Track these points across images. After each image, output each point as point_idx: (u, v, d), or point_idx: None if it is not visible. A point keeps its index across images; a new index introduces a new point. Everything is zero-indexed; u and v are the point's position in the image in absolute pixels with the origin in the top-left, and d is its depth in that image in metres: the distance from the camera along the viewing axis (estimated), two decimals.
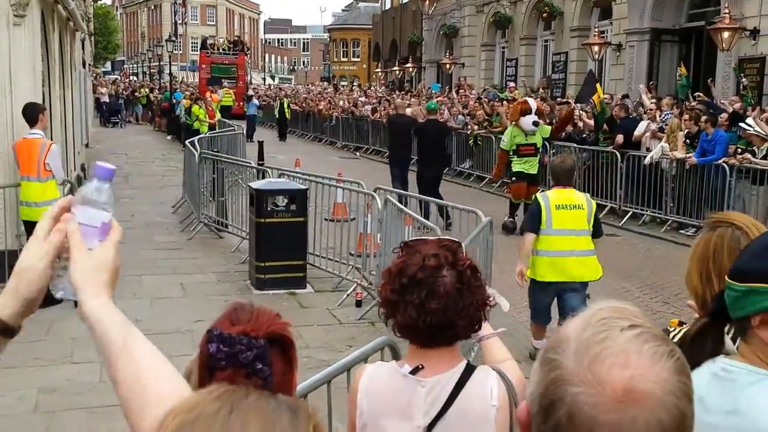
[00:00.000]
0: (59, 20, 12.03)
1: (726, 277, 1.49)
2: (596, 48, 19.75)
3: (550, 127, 12.85)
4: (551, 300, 6.41)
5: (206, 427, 0.91)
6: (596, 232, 6.23)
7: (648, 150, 13.09)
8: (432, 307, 1.97)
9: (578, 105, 16.27)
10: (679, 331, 1.75)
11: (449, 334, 2.04)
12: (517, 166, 12.18)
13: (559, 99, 18.96)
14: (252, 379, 1.53)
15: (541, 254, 6.23)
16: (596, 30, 20.38)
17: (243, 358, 1.51)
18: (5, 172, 7.94)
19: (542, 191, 7.19)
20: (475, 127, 18.40)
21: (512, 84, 23.21)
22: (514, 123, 12.26)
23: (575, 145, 14.79)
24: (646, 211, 12.99)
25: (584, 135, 14.88)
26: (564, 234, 6.13)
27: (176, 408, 0.96)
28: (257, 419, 0.93)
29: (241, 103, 31.87)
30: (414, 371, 2.06)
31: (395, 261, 2.09)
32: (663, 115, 13.45)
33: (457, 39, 30.85)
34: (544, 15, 23.82)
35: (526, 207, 11.15)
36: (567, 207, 6.15)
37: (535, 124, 12.00)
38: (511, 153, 12.21)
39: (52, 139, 8.75)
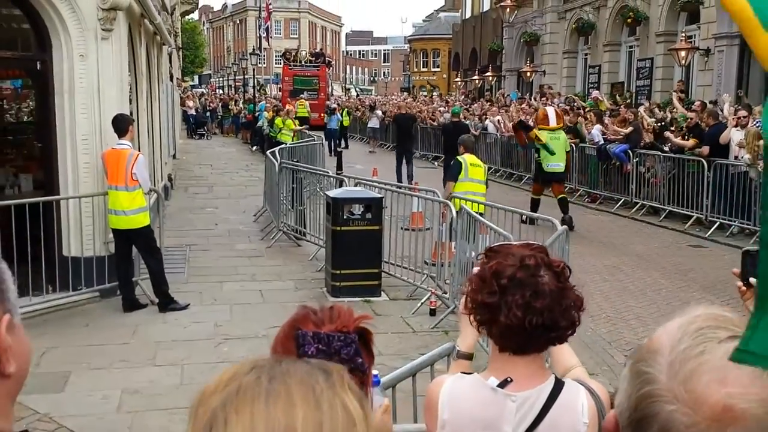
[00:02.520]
0: (146, 34, 12.50)
1: None
2: (683, 53, 19.16)
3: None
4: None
5: (251, 396, 0.92)
6: (486, 184, 10.28)
7: (736, 158, 12.60)
8: (538, 306, 1.93)
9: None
10: None
11: (551, 336, 2.00)
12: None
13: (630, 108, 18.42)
14: (354, 373, 1.55)
15: (460, 194, 9.35)
16: (683, 35, 19.76)
17: (345, 354, 1.54)
18: (94, 181, 8.25)
19: (461, 155, 10.24)
20: None
21: (596, 92, 22.73)
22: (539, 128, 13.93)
23: (660, 153, 14.38)
24: (734, 221, 12.48)
25: (669, 145, 14.42)
26: (473, 181, 9.83)
27: (211, 386, 0.96)
28: (297, 383, 0.94)
29: (322, 115, 32.07)
30: (502, 384, 2.02)
31: (486, 265, 2.03)
32: (754, 123, 12.91)
33: (538, 46, 30.48)
34: (629, 20, 23.22)
35: (561, 202, 13.47)
36: (475, 165, 10.03)
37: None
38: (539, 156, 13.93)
39: (139, 150, 9.06)
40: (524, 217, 12.60)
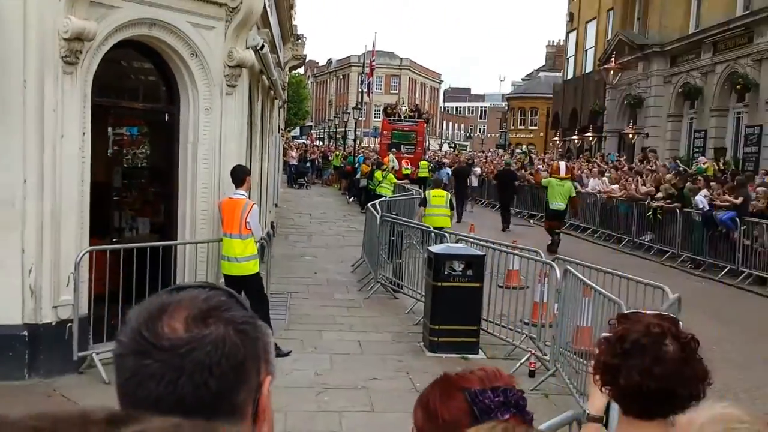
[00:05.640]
0: (262, 89, 13.13)
1: None
2: None
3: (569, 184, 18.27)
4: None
5: None
6: (451, 208, 15.42)
7: None
8: (656, 372, 2.01)
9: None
10: None
11: (671, 404, 2.06)
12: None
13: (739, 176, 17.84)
14: (525, 422, 1.68)
15: (428, 215, 14.61)
16: None
17: (522, 404, 1.67)
18: (210, 228, 8.68)
19: (427, 189, 16.59)
20: (660, 194, 17.73)
21: (702, 158, 22.25)
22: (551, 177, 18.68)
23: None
24: None
25: None
26: (436, 207, 14.65)
27: None
28: None
29: (416, 169, 32.65)
30: None
31: (614, 330, 2.14)
32: None
33: (642, 109, 30.06)
34: (738, 87, 22.71)
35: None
36: (437, 196, 14.85)
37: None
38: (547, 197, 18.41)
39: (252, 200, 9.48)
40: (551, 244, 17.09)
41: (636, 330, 2.07)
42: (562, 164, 19.07)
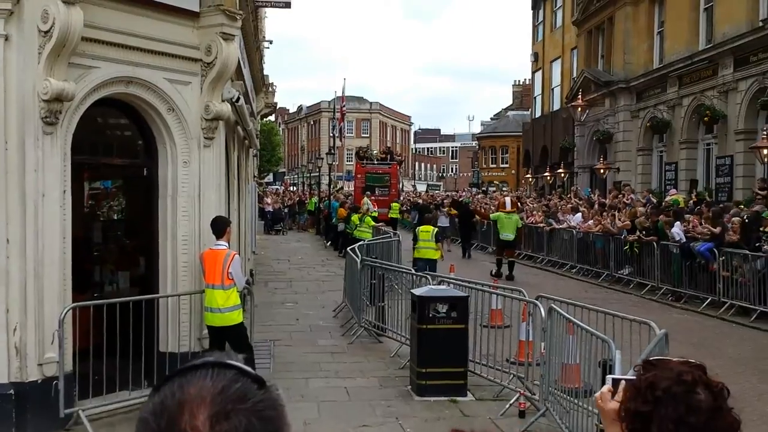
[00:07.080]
0: (238, 139, 13.17)
1: None
2: (765, 151, 18.96)
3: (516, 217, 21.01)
4: (422, 266, 15.29)
5: None
6: (436, 241, 16.95)
7: None
8: (691, 421, 1.97)
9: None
10: None
11: None
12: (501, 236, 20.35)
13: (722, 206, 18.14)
14: None
15: (417, 248, 16.88)
16: (765, 132, 19.56)
17: None
18: (191, 280, 8.63)
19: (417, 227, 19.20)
20: (638, 233, 17.91)
21: (673, 190, 22.60)
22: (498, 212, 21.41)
23: (747, 252, 14.07)
24: None
25: (758, 243, 14.09)
26: (424, 240, 16.70)
27: None
28: None
29: (388, 210, 32.86)
30: None
31: (642, 376, 2.09)
32: None
33: (611, 144, 30.55)
34: (706, 119, 23.17)
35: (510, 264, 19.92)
36: (424, 231, 16.89)
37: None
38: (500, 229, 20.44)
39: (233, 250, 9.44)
40: (493, 271, 19.27)
41: (667, 377, 2.03)
42: (508, 199, 21.83)
